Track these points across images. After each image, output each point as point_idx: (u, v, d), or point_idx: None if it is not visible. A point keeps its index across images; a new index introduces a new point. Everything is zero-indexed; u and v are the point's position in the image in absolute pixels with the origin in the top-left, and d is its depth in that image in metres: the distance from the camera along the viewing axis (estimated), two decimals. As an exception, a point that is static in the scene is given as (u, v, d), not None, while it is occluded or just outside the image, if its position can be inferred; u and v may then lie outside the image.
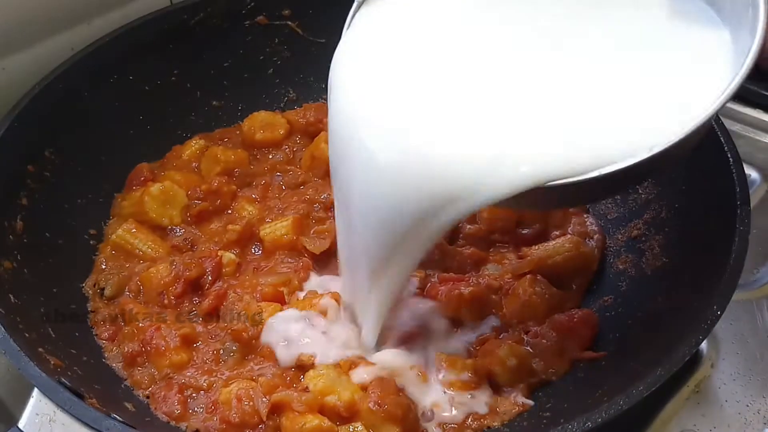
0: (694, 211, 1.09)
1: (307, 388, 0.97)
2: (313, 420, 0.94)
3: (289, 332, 1.05)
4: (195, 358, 1.06)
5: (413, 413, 0.97)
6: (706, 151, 1.08)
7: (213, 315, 1.11)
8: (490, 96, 0.79)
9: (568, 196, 0.81)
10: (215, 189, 1.27)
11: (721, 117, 1.09)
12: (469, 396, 1.01)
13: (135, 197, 1.24)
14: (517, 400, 1.01)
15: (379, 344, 1.04)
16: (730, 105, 1.42)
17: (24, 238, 1.08)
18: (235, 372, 1.04)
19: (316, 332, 1.04)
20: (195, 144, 1.35)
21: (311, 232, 1.22)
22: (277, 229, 1.20)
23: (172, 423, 0.98)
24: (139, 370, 1.05)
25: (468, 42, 0.86)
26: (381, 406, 0.94)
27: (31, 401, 1.02)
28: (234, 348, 1.06)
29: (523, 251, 1.20)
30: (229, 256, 1.18)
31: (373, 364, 1.01)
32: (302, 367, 1.03)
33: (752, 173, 1.31)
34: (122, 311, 1.10)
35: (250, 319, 1.06)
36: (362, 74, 0.85)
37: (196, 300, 1.13)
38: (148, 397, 1.02)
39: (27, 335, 0.94)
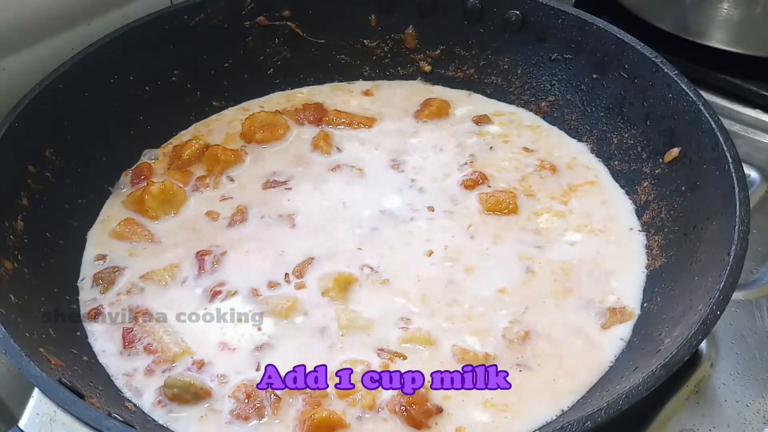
0: (693, 211, 1.09)
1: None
2: (322, 411, 0.94)
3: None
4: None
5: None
6: (705, 151, 1.08)
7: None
8: None
9: None
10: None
11: (720, 117, 1.09)
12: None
13: (136, 195, 1.25)
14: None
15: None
16: (729, 105, 1.44)
17: (24, 238, 1.08)
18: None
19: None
20: (195, 144, 1.35)
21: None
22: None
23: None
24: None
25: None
26: None
27: (32, 401, 1.01)
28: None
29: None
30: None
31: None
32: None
33: (752, 173, 1.31)
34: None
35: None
36: None
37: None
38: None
39: (27, 335, 0.94)
